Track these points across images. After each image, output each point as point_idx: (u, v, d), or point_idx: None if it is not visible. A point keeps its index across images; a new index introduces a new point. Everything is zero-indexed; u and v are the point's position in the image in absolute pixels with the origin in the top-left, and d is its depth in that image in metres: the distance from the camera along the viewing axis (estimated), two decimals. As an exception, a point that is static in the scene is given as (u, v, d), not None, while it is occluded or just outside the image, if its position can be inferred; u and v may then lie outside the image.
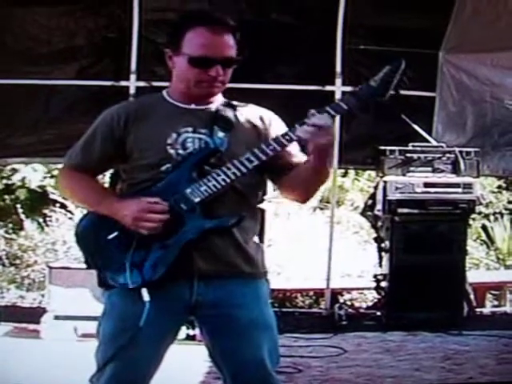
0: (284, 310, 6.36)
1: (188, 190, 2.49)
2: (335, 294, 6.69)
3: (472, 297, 6.12)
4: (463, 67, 6.42)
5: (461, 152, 5.97)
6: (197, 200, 2.49)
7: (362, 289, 7.13)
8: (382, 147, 5.99)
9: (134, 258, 2.47)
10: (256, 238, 2.67)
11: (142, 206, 2.46)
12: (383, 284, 6.08)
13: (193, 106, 2.61)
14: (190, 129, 2.57)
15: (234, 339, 2.56)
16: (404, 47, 5.98)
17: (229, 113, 2.62)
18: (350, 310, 6.47)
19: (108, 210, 2.54)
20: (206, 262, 2.53)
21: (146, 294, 2.46)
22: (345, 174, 9.06)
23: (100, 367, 2.53)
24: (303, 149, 2.58)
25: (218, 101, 2.65)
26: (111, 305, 2.59)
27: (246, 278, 2.60)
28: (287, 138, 2.49)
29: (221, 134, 2.55)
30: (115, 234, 2.52)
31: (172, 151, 2.55)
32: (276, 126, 2.66)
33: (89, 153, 2.63)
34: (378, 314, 6.14)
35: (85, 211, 2.71)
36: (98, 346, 2.60)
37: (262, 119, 2.65)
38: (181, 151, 2.55)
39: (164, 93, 2.68)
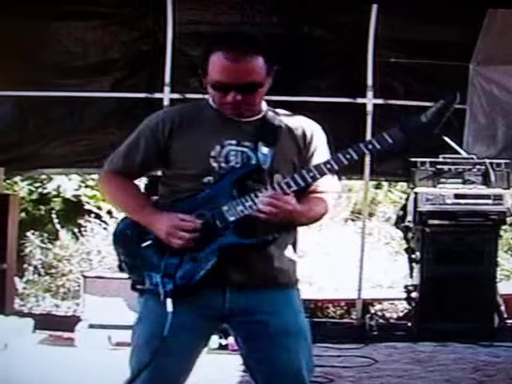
0: (315, 320, 6.35)
1: (225, 208, 2.51)
2: (366, 304, 6.70)
3: (503, 308, 6.07)
4: (494, 79, 6.43)
5: (491, 163, 5.98)
6: (231, 219, 2.50)
7: (393, 299, 7.12)
8: (413, 159, 6.01)
9: (167, 268, 2.49)
10: (290, 251, 2.68)
11: (175, 223, 2.50)
12: (414, 295, 6.08)
13: (236, 118, 2.59)
14: (233, 141, 2.57)
15: (268, 346, 2.57)
16: (434, 60, 6.06)
17: (274, 127, 2.60)
18: (380, 320, 6.47)
19: (144, 221, 2.57)
20: (239, 275, 2.55)
21: (169, 305, 2.47)
22: (378, 186, 9.02)
23: (134, 372, 2.55)
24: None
25: (262, 111, 2.63)
26: (147, 309, 2.61)
27: (278, 287, 2.61)
28: (328, 166, 2.51)
29: (265, 150, 2.54)
30: (149, 242, 2.56)
31: (215, 164, 2.55)
32: (315, 144, 2.66)
33: (131, 158, 2.64)
34: (409, 324, 6.13)
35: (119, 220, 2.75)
36: (132, 350, 2.62)
37: (304, 134, 2.63)
38: (223, 164, 2.55)
39: (210, 99, 2.64)
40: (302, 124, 2.66)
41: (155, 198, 2.74)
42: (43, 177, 8.69)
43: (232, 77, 2.47)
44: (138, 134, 2.64)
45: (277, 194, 2.46)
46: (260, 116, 2.62)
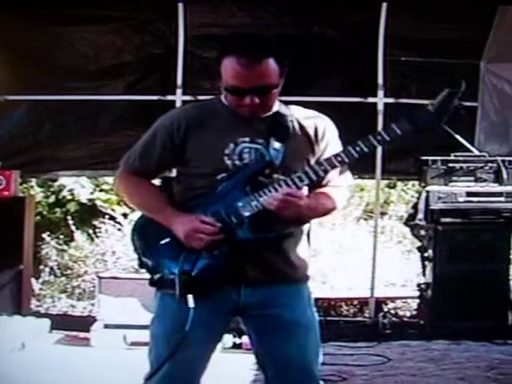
0: (328, 318, 6.31)
1: (240, 204, 2.52)
2: (379, 302, 6.63)
3: None
4: (505, 76, 6.35)
5: (503, 161, 5.91)
6: (246, 214, 2.51)
7: (406, 298, 7.06)
8: (425, 157, 5.96)
9: (185, 265, 2.50)
10: (303, 247, 2.68)
11: (195, 225, 2.51)
12: (427, 293, 6.01)
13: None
14: (247, 139, 2.57)
15: (278, 338, 2.59)
16: (445, 58, 5.99)
17: (285, 123, 2.59)
18: (393, 318, 6.44)
19: (164, 221, 2.57)
20: (255, 271, 2.56)
21: (191, 301, 2.48)
22: (392, 186, 8.98)
23: (154, 367, 2.56)
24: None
25: (275, 107, 2.62)
26: (163, 306, 2.62)
27: (291, 282, 2.64)
28: (339, 159, 2.50)
29: (277, 146, 2.55)
30: (167, 239, 2.56)
31: (229, 162, 2.56)
32: (327, 139, 2.66)
33: (148, 157, 2.63)
34: (422, 322, 6.07)
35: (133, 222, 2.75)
36: (150, 345, 2.64)
37: (316, 130, 2.63)
38: (237, 162, 2.56)
39: (222, 97, 2.64)
40: (314, 119, 2.66)
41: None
42: (57, 183, 8.78)
43: (246, 82, 2.47)
44: (154, 133, 2.64)
45: (289, 189, 2.46)
46: (272, 113, 2.61)
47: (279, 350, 2.61)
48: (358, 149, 2.47)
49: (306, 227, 2.70)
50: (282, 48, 2.54)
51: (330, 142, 2.66)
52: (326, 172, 2.51)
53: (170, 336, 2.53)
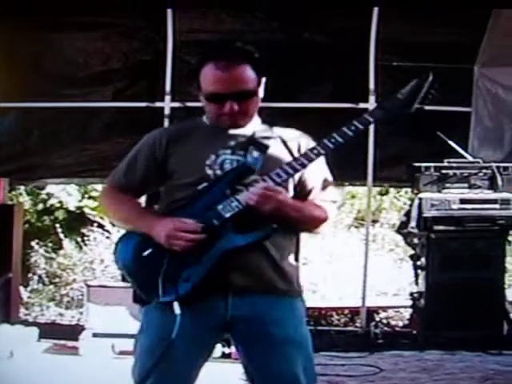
0: (319, 328, 6.20)
1: (220, 206, 2.47)
2: (371, 312, 6.53)
3: None
4: (499, 81, 6.22)
5: (498, 167, 5.75)
6: (227, 215, 2.46)
7: (398, 307, 6.96)
8: (417, 164, 5.80)
9: (167, 274, 2.44)
10: (292, 257, 2.62)
11: (176, 224, 2.46)
12: (419, 302, 5.86)
13: (231, 130, 2.59)
14: (228, 151, 2.56)
15: (268, 355, 2.52)
16: (437, 62, 5.76)
17: (265, 135, 2.59)
18: (385, 328, 6.31)
19: (144, 227, 2.54)
20: (242, 278, 2.50)
21: (177, 308, 2.43)
22: (384, 193, 8.88)
23: (137, 381, 2.51)
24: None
25: (255, 123, 2.64)
26: (148, 321, 2.56)
27: (281, 294, 2.56)
28: (315, 152, 2.48)
29: (255, 154, 2.53)
30: (150, 250, 2.51)
31: (210, 172, 2.54)
32: None
33: (131, 174, 2.64)
34: (415, 332, 5.92)
35: (122, 231, 2.70)
36: (134, 361, 2.56)
37: (299, 145, 2.62)
38: (219, 171, 2.54)
39: (204, 117, 2.66)
40: (296, 136, 2.67)
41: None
42: (44, 192, 8.77)
43: (226, 86, 2.49)
44: (137, 151, 2.66)
45: (267, 184, 2.45)
46: (254, 126, 2.63)
47: (270, 367, 2.52)
48: (333, 140, 2.46)
49: (294, 240, 2.65)
50: (258, 56, 2.55)
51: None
52: (303, 166, 2.48)
53: (155, 347, 2.46)
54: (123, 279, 2.59)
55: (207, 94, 2.52)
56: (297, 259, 2.70)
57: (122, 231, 2.68)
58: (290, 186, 2.58)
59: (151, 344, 2.49)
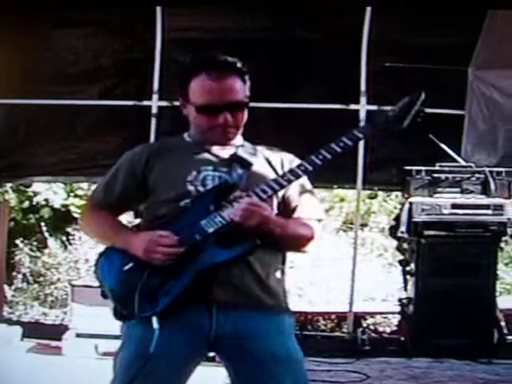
0: (305, 333, 6.04)
1: (203, 222, 2.41)
2: (358, 317, 6.38)
3: (503, 324, 5.64)
4: (494, 83, 6.04)
5: (491, 172, 5.58)
6: (210, 230, 2.39)
7: (386, 313, 6.81)
8: (408, 167, 5.64)
9: (148, 288, 2.39)
10: (278, 273, 2.55)
11: (152, 238, 2.41)
12: (408, 308, 5.68)
13: (213, 147, 2.55)
14: (210, 167, 2.52)
15: (255, 372, 2.44)
16: (431, 64, 5.72)
17: (248, 153, 2.56)
18: (373, 334, 6.16)
19: (123, 242, 2.49)
20: (225, 293, 2.43)
21: (155, 322, 2.36)
22: (373, 196, 8.76)
23: None
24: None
25: (238, 140, 2.60)
26: (128, 336, 2.49)
27: (267, 310, 2.49)
28: (302, 168, 2.42)
29: (239, 171, 2.49)
30: (130, 265, 2.44)
31: (191, 187, 2.48)
32: None
33: (111, 190, 2.59)
34: (403, 339, 5.73)
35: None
36: (113, 377, 2.47)
37: (282, 161, 2.59)
38: (200, 188, 2.48)
39: (185, 135, 2.63)
40: (280, 155, 2.62)
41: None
42: (30, 190, 8.67)
43: (219, 97, 2.46)
44: (117, 168, 2.62)
45: (252, 199, 2.38)
46: (237, 145, 2.58)
47: None
48: (320, 157, 2.39)
49: (280, 256, 2.55)
50: (245, 70, 2.53)
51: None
52: (289, 181, 2.42)
53: (133, 362, 2.38)
54: (103, 295, 2.52)
55: (200, 106, 2.47)
56: (283, 262, 2.60)
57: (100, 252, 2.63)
58: (274, 204, 2.51)
59: (130, 359, 2.42)
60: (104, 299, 2.52)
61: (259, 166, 2.54)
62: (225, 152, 2.55)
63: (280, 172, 2.53)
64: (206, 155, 2.54)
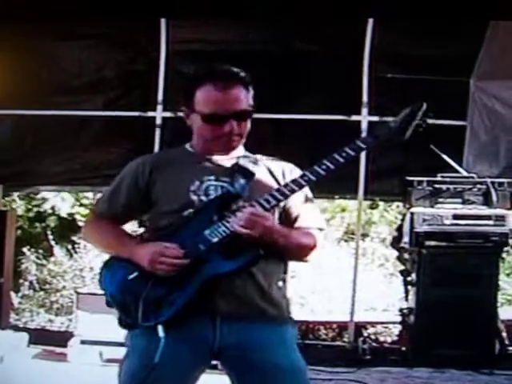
0: (307, 342, 6.00)
1: (207, 232, 2.42)
2: (359, 327, 6.30)
3: (504, 334, 5.54)
4: (496, 94, 5.95)
5: (493, 183, 5.49)
6: (214, 240, 2.40)
7: (387, 323, 6.75)
8: (410, 178, 5.56)
9: (152, 298, 2.40)
10: (281, 283, 2.56)
11: (157, 249, 2.42)
12: (409, 318, 5.60)
13: (215, 157, 2.56)
14: (212, 177, 2.52)
15: (259, 383, 2.45)
16: (433, 75, 5.66)
17: (250, 163, 2.56)
18: (374, 344, 6.09)
19: (128, 252, 2.49)
20: (228, 304, 2.43)
21: (161, 331, 2.37)
22: (374, 206, 8.71)
23: None
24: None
25: (240, 151, 2.61)
26: (133, 346, 2.50)
27: (270, 321, 2.49)
28: (305, 178, 2.42)
29: (242, 181, 2.50)
30: (135, 274, 2.45)
31: (194, 197, 2.49)
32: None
33: (114, 201, 2.61)
34: (404, 349, 5.66)
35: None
36: None
37: (283, 171, 2.59)
38: (203, 197, 2.49)
39: (187, 145, 2.64)
40: (281, 164, 2.64)
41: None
42: (39, 196, 8.71)
43: (225, 107, 2.46)
44: (121, 179, 2.63)
45: (255, 209, 2.38)
46: (238, 155, 2.59)
47: None
48: (323, 167, 2.39)
49: (282, 266, 2.56)
50: (248, 80, 2.53)
51: None
52: (293, 191, 2.41)
53: (138, 372, 2.39)
54: (108, 304, 2.52)
55: (206, 115, 2.48)
56: (285, 271, 2.60)
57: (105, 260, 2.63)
58: (276, 214, 2.51)
59: (135, 368, 2.42)
60: (109, 307, 2.52)
61: (261, 175, 2.54)
62: (227, 162, 2.55)
63: (281, 181, 2.52)
64: (209, 165, 2.54)
